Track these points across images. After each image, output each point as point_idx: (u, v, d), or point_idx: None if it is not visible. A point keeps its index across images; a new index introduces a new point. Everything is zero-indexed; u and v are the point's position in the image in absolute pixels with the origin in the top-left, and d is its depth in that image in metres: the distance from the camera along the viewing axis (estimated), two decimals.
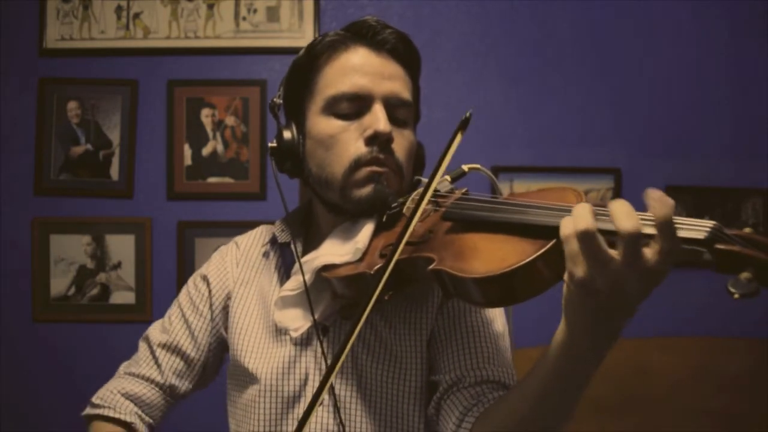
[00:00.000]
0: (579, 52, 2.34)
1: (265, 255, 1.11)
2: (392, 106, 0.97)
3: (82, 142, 2.30)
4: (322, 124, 0.97)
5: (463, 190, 0.96)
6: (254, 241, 1.14)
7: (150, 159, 2.31)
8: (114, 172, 2.30)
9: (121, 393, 1.07)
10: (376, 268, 0.88)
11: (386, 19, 1.03)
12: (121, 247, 2.28)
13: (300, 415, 0.98)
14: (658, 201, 0.63)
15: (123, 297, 2.28)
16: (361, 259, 0.92)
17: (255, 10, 2.32)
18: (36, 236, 2.27)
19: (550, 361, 0.74)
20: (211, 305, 1.10)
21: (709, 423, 2.14)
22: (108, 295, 2.28)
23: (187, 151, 2.31)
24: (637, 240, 0.62)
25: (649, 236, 0.63)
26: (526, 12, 2.33)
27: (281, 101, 1.04)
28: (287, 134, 1.00)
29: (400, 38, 1.00)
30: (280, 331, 1.02)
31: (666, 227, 0.62)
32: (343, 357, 0.79)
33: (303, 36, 2.30)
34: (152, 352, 1.10)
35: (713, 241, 0.63)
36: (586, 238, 0.63)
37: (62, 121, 2.30)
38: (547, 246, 0.72)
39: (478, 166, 0.98)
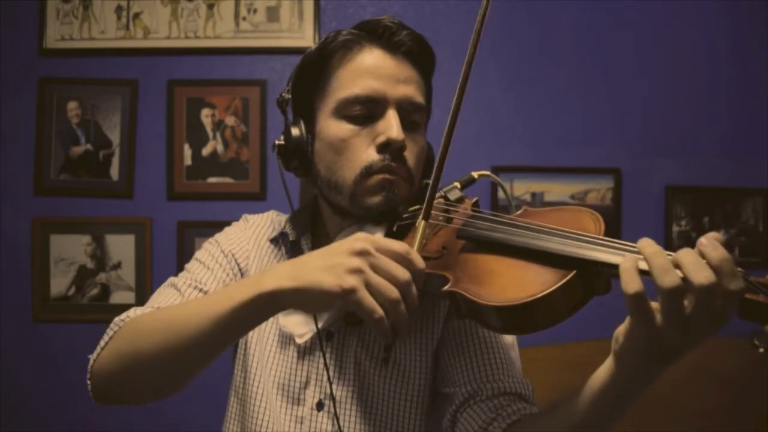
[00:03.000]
0: (579, 52, 2.34)
1: (275, 244, 1.07)
2: (406, 110, 0.95)
3: (82, 142, 2.30)
4: (333, 127, 0.95)
5: (474, 200, 0.95)
6: (264, 225, 1.11)
7: (150, 159, 2.31)
8: (114, 172, 2.30)
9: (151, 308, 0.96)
10: None
11: None
12: (121, 247, 2.28)
13: (299, 418, 0.98)
14: (710, 245, 0.62)
15: (123, 297, 2.28)
16: None
17: (255, 10, 2.32)
18: (36, 236, 2.27)
19: (595, 393, 0.74)
20: (229, 262, 1.05)
21: (709, 423, 2.14)
22: (108, 295, 2.28)
23: (187, 151, 2.31)
24: (712, 291, 0.61)
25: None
26: (526, 12, 2.33)
27: (290, 96, 1.00)
28: (296, 132, 0.97)
29: (417, 40, 0.97)
30: (285, 335, 1.01)
31: (726, 266, 0.61)
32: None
33: (303, 36, 2.30)
34: (179, 290, 0.99)
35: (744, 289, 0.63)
36: (673, 294, 0.62)
37: (62, 121, 2.30)
38: (569, 277, 0.71)
39: (488, 173, 0.97)
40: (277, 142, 0.98)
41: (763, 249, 2.32)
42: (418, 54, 0.98)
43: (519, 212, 0.89)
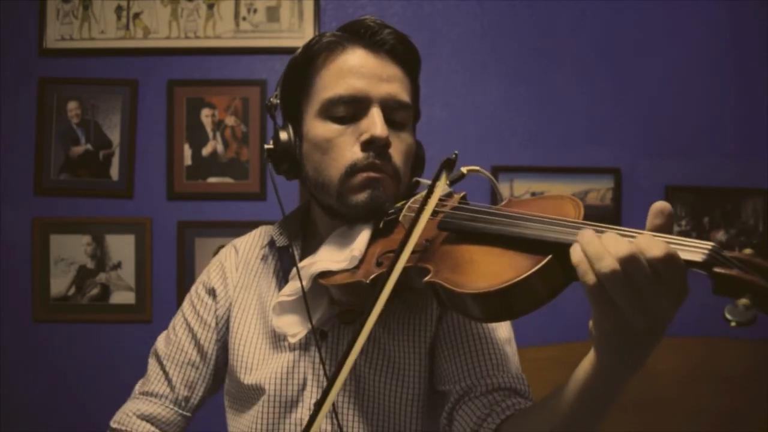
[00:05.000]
0: (579, 52, 2.33)
1: (263, 259, 1.10)
2: (390, 108, 0.95)
3: (82, 142, 2.30)
4: (318, 128, 0.96)
5: (462, 194, 0.95)
6: (253, 244, 1.13)
7: (150, 159, 2.31)
8: (114, 172, 2.30)
9: (137, 415, 1.07)
10: (371, 277, 0.86)
11: (386, 19, 1.02)
12: (121, 247, 2.28)
13: (299, 420, 0.98)
14: (650, 213, 0.64)
15: (123, 297, 2.28)
16: (357, 267, 0.91)
17: (255, 10, 2.31)
18: (36, 236, 2.27)
19: (582, 385, 0.74)
20: (216, 314, 1.10)
21: (709, 423, 2.14)
22: (108, 295, 2.28)
23: (187, 151, 2.30)
24: (638, 261, 0.61)
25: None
26: (526, 12, 2.33)
27: (278, 101, 1.02)
28: (284, 136, 0.99)
29: (399, 39, 0.97)
30: (278, 337, 1.01)
31: (642, 238, 0.62)
32: (346, 371, 0.77)
33: (303, 36, 2.30)
34: (162, 367, 1.10)
35: (711, 264, 0.61)
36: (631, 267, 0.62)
37: (62, 121, 2.29)
38: (543, 262, 0.70)
39: (477, 168, 0.95)
40: (266, 146, 1.00)
41: (763, 249, 2.31)
42: (401, 52, 0.98)
43: (503, 203, 0.89)
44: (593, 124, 2.33)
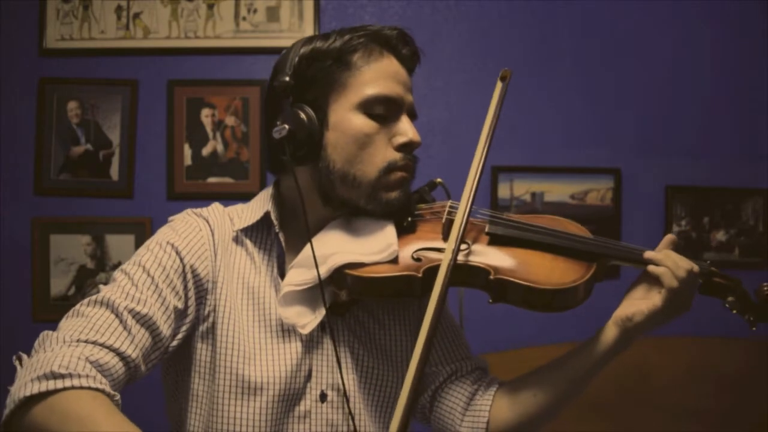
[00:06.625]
0: (579, 52, 2.33)
1: (236, 241, 1.02)
2: (410, 116, 1.03)
3: (82, 142, 2.30)
4: (357, 121, 0.97)
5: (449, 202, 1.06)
6: (221, 222, 1.04)
7: (150, 159, 2.31)
8: (114, 172, 2.30)
9: (90, 361, 0.81)
10: (424, 269, 0.92)
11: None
12: (121, 247, 2.28)
13: (303, 413, 0.98)
14: (663, 243, 1.00)
15: None
16: (394, 261, 0.95)
17: (255, 10, 2.32)
18: (36, 236, 2.27)
19: (599, 357, 0.97)
20: (185, 281, 0.96)
21: (708, 423, 2.14)
22: None
23: (187, 151, 2.31)
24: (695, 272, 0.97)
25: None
26: (526, 12, 2.33)
27: (293, 82, 0.98)
28: (306, 118, 0.96)
29: (416, 56, 1.05)
30: (282, 327, 0.98)
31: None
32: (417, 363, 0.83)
33: (303, 36, 2.29)
34: (121, 321, 0.87)
35: (712, 275, 0.99)
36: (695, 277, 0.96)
37: (62, 121, 2.30)
38: (595, 268, 0.93)
39: (441, 180, 1.10)
40: (286, 126, 0.95)
41: (763, 249, 2.32)
42: (413, 68, 1.07)
43: (521, 218, 1.04)
44: (593, 124, 2.33)
